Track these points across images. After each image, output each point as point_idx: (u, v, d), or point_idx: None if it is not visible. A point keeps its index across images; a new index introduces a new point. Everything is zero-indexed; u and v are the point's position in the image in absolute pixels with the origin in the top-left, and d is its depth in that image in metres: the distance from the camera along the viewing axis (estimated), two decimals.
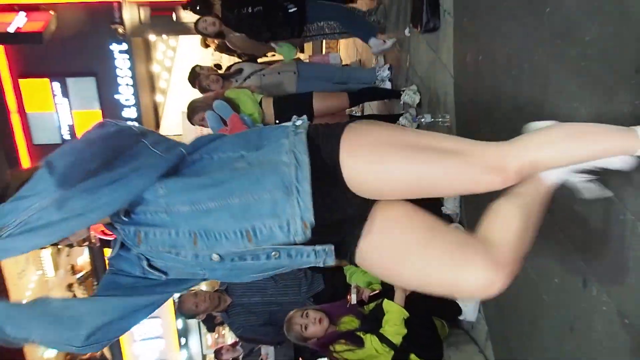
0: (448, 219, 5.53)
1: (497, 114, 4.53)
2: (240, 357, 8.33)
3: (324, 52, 12.10)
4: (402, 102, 7.09)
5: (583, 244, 3.33)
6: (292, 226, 2.37)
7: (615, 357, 3.10)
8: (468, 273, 2.42)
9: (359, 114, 8.81)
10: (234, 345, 8.35)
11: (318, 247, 2.46)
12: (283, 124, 2.63)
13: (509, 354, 4.64)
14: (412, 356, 5.33)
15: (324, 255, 2.49)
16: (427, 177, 2.49)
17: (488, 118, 4.74)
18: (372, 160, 2.47)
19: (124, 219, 2.44)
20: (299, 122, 2.61)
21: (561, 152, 2.47)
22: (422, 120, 6.28)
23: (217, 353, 8.70)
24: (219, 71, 7.98)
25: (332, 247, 2.48)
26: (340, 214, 2.53)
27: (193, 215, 2.38)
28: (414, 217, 2.60)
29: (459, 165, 2.49)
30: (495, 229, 2.56)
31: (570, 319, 3.51)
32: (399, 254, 2.52)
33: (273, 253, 2.44)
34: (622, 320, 2.96)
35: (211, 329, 9.20)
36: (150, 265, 2.57)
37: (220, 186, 2.39)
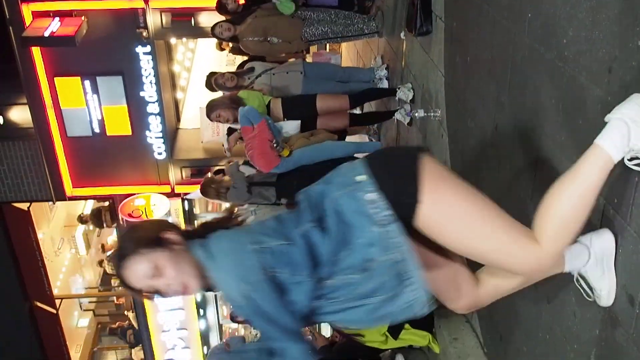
0: None
1: (482, 111, 4.55)
2: None
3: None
4: (397, 99, 7.11)
5: None
6: (417, 304, 2.47)
7: (587, 325, 3.11)
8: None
9: (359, 112, 8.80)
10: None
11: None
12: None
13: (492, 324, 4.66)
14: (406, 325, 5.36)
15: None
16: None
17: (474, 113, 4.76)
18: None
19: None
20: (359, 178, 2.49)
21: (573, 218, 2.48)
22: (416, 114, 6.30)
23: (233, 315, 8.76)
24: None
25: None
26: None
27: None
28: None
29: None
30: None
31: (547, 292, 3.53)
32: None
33: None
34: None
35: None
36: None
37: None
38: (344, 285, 2.46)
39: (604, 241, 2.80)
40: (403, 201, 2.43)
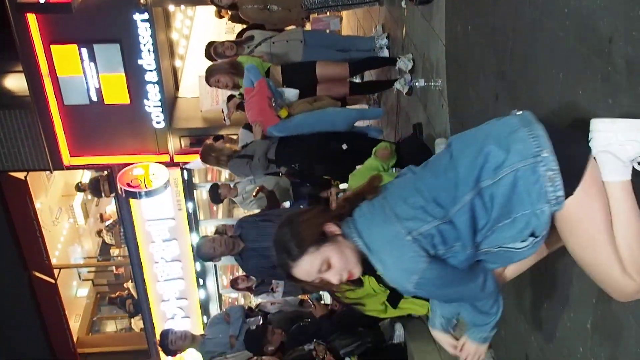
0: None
1: (483, 80, 4.57)
2: (253, 286, 8.42)
3: None
4: (397, 68, 7.12)
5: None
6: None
7: (584, 294, 3.16)
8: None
9: (359, 80, 8.80)
10: (247, 275, 8.42)
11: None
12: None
13: None
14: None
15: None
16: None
17: (475, 82, 4.78)
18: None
19: None
20: (545, 154, 2.42)
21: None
22: (416, 84, 6.32)
23: (234, 283, 8.81)
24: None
25: None
26: None
27: None
28: None
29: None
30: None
31: (546, 261, 3.58)
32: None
33: None
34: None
35: (217, 201, 9.20)
36: None
37: None
38: (497, 250, 2.60)
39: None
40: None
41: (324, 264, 2.54)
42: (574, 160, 2.45)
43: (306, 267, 2.56)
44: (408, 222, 2.48)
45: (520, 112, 2.57)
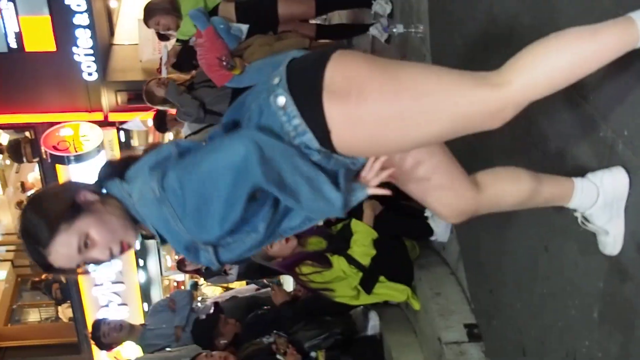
0: None
1: (472, 25, 4.54)
2: (203, 268, 8.39)
3: None
4: (372, 12, 7.07)
5: (560, 161, 3.38)
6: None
7: (590, 277, 3.17)
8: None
9: (327, 24, 8.74)
10: None
11: None
12: None
13: (481, 275, 4.72)
14: (382, 278, 5.40)
15: None
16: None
17: (462, 28, 4.75)
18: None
19: None
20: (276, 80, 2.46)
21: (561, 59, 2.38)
22: (394, 30, 6.26)
23: (180, 264, 8.77)
24: None
25: None
26: None
27: None
28: None
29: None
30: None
31: (544, 238, 3.58)
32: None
33: None
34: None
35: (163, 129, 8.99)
36: None
37: None
38: None
39: (616, 181, 2.86)
40: (315, 127, 2.41)
41: (82, 241, 2.44)
42: (310, 86, 2.42)
43: (63, 250, 2.45)
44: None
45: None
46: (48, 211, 2.45)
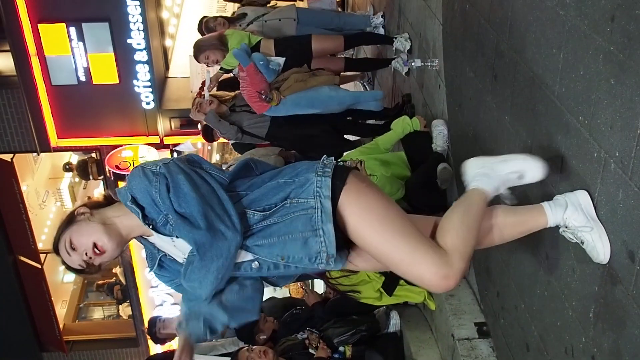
0: (438, 156, 5.54)
1: (481, 59, 4.53)
2: None
3: None
4: (394, 48, 7.09)
5: (557, 177, 3.36)
6: (317, 258, 2.80)
7: (585, 281, 3.14)
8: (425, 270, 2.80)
9: (354, 57, 8.77)
10: None
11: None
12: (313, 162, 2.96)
13: (489, 280, 4.69)
14: (402, 281, 5.39)
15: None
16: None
17: (473, 62, 4.74)
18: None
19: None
20: (327, 161, 2.92)
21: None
22: (413, 64, 6.27)
23: None
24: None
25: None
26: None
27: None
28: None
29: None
30: (447, 236, 2.91)
31: (546, 248, 3.56)
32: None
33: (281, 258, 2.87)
34: None
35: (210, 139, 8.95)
36: None
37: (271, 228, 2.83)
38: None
39: (577, 194, 3.08)
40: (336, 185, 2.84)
41: (68, 245, 2.82)
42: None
43: (62, 253, 2.85)
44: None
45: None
46: (60, 225, 2.91)
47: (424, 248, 2.78)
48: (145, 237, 2.92)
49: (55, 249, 2.86)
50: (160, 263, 2.99)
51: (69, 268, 2.88)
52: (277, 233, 2.80)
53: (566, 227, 3.06)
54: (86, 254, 2.79)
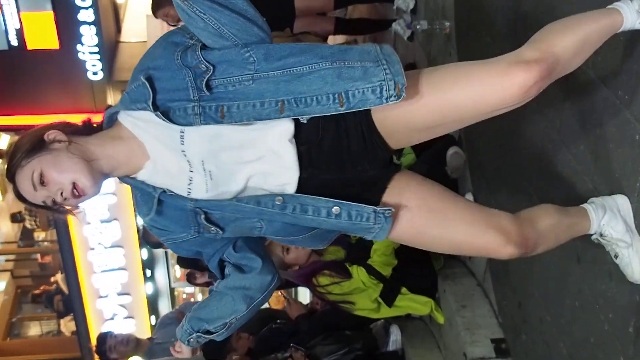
0: (448, 138, 5.56)
1: (501, 22, 4.55)
2: (215, 280, 8.39)
3: None
4: (395, 7, 7.08)
5: (593, 163, 3.39)
6: (384, 89, 2.59)
7: (625, 289, 3.18)
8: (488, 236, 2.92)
9: (346, 17, 8.76)
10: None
11: (379, 209, 2.73)
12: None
13: (509, 287, 4.72)
14: (404, 289, 5.41)
15: (383, 221, 2.75)
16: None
17: (490, 25, 4.76)
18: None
19: (206, 93, 2.59)
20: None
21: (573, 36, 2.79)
22: (418, 27, 6.27)
23: (190, 276, 8.77)
24: None
25: (392, 210, 2.76)
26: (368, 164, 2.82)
27: (284, 79, 2.60)
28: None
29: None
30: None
31: (577, 249, 3.59)
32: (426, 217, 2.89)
33: (334, 208, 2.70)
34: None
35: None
36: (207, 219, 2.76)
37: (311, 52, 2.64)
38: None
39: (615, 198, 3.20)
40: None
41: (37, 177, 2.66)
42: None
43: (23, 184, 2.70)
44: None
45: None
46: (19, 145, 2.75)
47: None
48: (132, 176, 2.84)
49: (12, 177, 2.74)
50: (159, 207, 2.83)
51: (23, 200, 2.78)
52: (331, 58, 2.66)
53: (602, 235, 3.14)
54: (61, 194, 2.67)
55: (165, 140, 2.69)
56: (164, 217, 2.85)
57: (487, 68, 2.66)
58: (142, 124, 2.71)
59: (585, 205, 3.20)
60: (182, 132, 2.65)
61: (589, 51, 2.84)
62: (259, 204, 2.70)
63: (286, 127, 2.62)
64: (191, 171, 2.71)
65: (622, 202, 3.14)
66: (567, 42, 2.73)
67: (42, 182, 2.66)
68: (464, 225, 2.90)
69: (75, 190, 2.67)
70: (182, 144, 2.67)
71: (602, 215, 3.11)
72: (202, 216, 2.74)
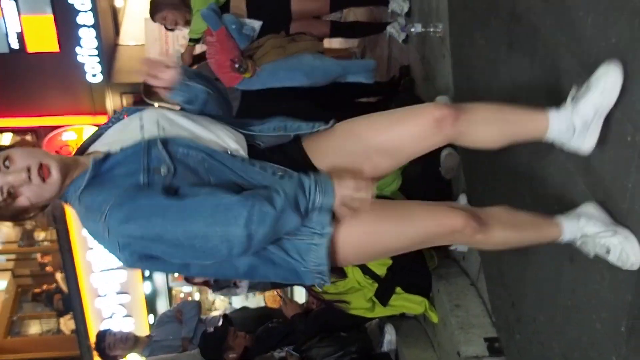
0: None
1: (495, 24, 4.53)
2: (212, 280, 8.37)
3: None
4: (389, 10, 7.07)
5: (586, 164, 3.38)
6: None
7: (617, 289, 3.16)
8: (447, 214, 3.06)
9: (342, 20, 8.75)
10: None
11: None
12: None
13: (503, 287, 4.71)
14: (398, 289, 5.39)
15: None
16: None
17: (485, 27, 4.75)
18: None
19: None
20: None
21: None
22: (412, 30, 6.26)
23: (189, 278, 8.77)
24: None
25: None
26: None
27: None
28: None
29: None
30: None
31: (571, 249, 3.57)
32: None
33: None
34: None
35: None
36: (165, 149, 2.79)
37: None
38: None
39: (585, 206, 3.37)
40: None
41: (1, 161, 2.69)
42: None
43: None
44: None
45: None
46: None
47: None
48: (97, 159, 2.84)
49: None
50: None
51: None
52: None
53: (585, 235, 3.19)
54: (28, 169, 2.66)
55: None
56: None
57: None
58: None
59: (557, 216, 3.34)
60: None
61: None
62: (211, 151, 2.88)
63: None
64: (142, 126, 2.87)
65: (591, 208, 3.24)
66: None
67: (6, 164, 2.67)
68: (414, 207, 3.20)
69: (40, 171, 2.68)
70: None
71: (578, 220, 3.20)
72: (160, 145, 2.77)
